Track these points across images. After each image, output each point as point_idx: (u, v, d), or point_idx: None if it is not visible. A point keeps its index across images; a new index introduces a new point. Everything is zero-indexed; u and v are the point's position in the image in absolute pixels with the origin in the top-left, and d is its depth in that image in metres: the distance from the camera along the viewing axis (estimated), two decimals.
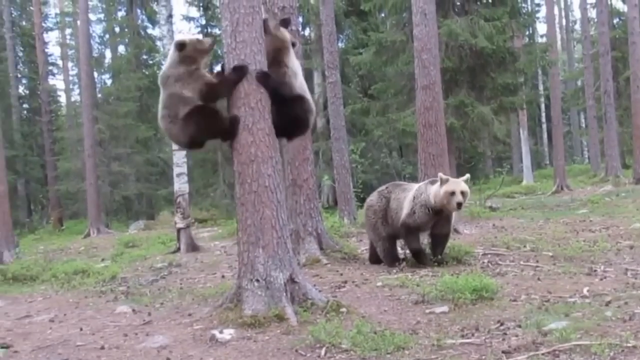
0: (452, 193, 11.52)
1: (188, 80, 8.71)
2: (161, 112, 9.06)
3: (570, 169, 41.36)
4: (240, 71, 8.49)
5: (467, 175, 12.22)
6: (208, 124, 8.75)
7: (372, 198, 13.18)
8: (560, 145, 34.60)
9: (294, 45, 9.38)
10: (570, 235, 15.41)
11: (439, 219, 12.01)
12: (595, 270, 10.98)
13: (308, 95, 9.40)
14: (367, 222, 13.27)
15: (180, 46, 8.71)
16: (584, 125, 56.92)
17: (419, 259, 12.31)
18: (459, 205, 11.55)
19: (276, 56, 8.97)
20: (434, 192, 11.83)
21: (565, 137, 45.80)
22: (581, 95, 46.24)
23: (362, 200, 19.85)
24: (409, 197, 12.29)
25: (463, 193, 11.55)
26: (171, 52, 8.99)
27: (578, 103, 49.00)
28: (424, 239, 12.80)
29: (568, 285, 9.81)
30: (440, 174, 12.30)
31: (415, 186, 12.62)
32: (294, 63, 9.19)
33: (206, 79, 8.80)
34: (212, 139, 9.25)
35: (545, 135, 57.86)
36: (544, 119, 57.12)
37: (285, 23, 9.51)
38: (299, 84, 9.17)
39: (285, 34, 9.18)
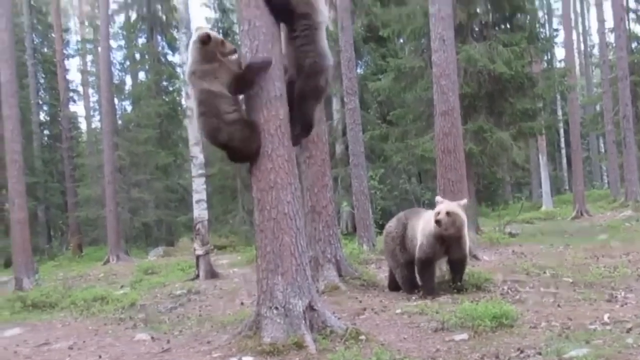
0: (437, 213, 11.47)
1: (215, 75, 8.65)
2: (198, 109, 8.90)
3: (589, 194, 41.17)
4: (265, 61, 8.56)
5: (465, 200, 12.17)
6: (247, 136, 8.67)
7: (391, 225, 13.14)
8: (579, 170, 34.49)
9: None
10: (590, 261, 15.32)
11: (449, 245, 11.89)
12: (615, 297, 10.91)
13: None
14: (386, 249, 13.23)
15: (203, 41, 8.66)
16: (603, 150, 56.66)
17: (429, 296, 12.14)
18: (437, 222, 11.44)
19: None
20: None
21: (584, 162, 45.66)
22: (600, 120, 46.06)
23: (381, 227, 19.82)
24: (420, 227, 12.21)
25: (448, 213, 11.45)
26: (193, 46, 8.86)
27: (597, 128, 48.79)
28: (442, 265, 12.74)
29: (588, 312, 9.74)
30: (437, 197, 12.26)
31: (429, 213, 12.52)
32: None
33: (231, 71, 8.73)
34: (240, 154, 9.07)
35: (564, 161, 57.69)
36: (563, 144, 56.96)
37: None
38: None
39: None
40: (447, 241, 11.78)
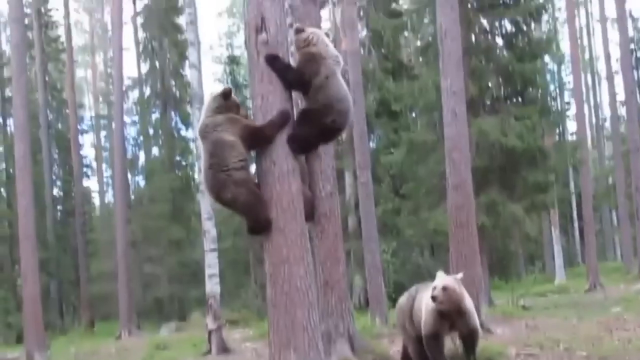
0: (433, 288, 11.39)
1: (227, 125, 8.36)
2: (206, 162, 8.40)
3: (602, 267, 40.90)
4: (284, 115, 8.37)
5: (461, 274, 12.08)
6: (252, 203, 8.36)
7: (402, 298, 13.07)
8: (592, 243, 34.39)
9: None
10: (605, 335, 15.20)
11: (452, 320, 11.75)
12: None
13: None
14: (398, 323, 13.17)
15: (226, 95, 8.50)
16: (615, 223, 56.49)
17: None
18: (432, 298, 11.33)
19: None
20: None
21: (597, 235, 45.42)
22: (612, 193, 46.08)
23: (393, 301, 19.72)
24: (424, 302, 12.10)
25: (444, 288, 11.34)
26: (211, 99, 8.67)
27: (609, 200, 48.79)
28: (456, 339, 12.63)
29: None
30: (438, 272, 12.19)
31: None
32: None
33: (246, 121, 8.54)
34: (244, 218, 8.71)
35: (577, 233, 57.46)
36: (575, 217, 56.74)
37: None
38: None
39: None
40: (449, 316, 11.64)
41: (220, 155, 8.21)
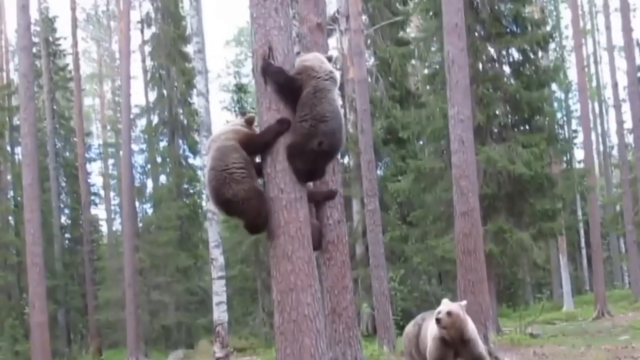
0: (438, 312, 11.37)
1: (230, 134, 8.70)
2: (209, 164, 8.66)
3: (610, 295, 40.75)
4: (283, 123, 8.41)
5: (464, 302, 12.06)
6: (252, 199, 8.47)
7: (409, 326, 13.04)
8: (600, 270, 34.29)
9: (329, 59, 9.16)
10: None
11: (457, 348, 11.70)
12: None
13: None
14: (405, 351, 13.13)
15: (250, 122, 8.87)
16: (623, 250, 56.28)
17: None
18: (437, 320, 11.31)
19: None
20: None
21: (605, 263, 45.22)
22: (620, 220, 45.89)
23: (401, 328, 19.69)
24: (429, 329, 12.08)
25: (449, 313, 11.32)
26: (232, 123, 9.11)
27: (617, 228, 48.56)
28: None
29: None
30: (444, 300, 12.16)
31: None
32: None
33: (248, 130, 8.81)
34: (244, 218, 8.78)
35: (584, 261, 57.24)
36: (583, 245, 56.53)
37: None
38: None
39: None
40: (453, 343, 11.59)
41: (221, 157, 8.49)
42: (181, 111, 45.43)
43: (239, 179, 8.42)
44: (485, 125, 25.95)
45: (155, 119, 46.79)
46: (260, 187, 8.57)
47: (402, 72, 34.70)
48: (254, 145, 8.57)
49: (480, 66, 27.11)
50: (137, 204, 43.11)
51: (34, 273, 23.54)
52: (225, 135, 8.72)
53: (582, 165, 47.49)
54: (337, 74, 8.87)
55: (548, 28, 30.11)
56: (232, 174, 8.41)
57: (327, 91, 8.49)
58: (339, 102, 8.81)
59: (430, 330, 11.77)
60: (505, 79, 27.60)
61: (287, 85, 8.44)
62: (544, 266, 33.42)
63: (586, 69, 47.99)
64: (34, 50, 41.77)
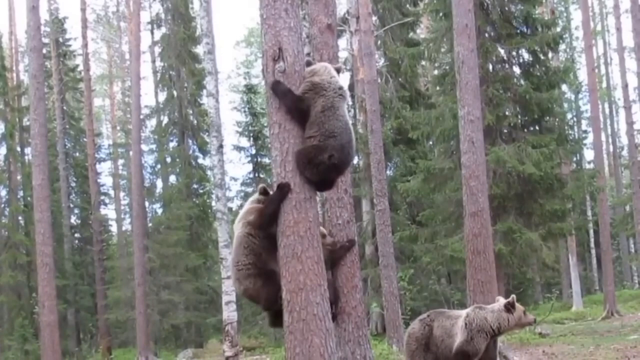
0: (524, 312, 11.69)
1: (247, 215, 8.98)
2: (232, 254, 9.25)
3: (620, 295, 40.68)
4: (283, 189, 8.48)
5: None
6: (255, 298, 9.13)
7: (414, 326, 13.00)
8: (609, 270, 34.26)
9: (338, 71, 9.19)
10: None
11: (489, 344, 11.93)
12: None
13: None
14: (407, 350, 13.10)
15: (264, 192, 9.06)
16: (633, 251, 56.21)
17: None
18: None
19: None
20: (498, 318, 11.80)
21: (614, 263, 45.20)
22: (630, 221, 45.76)
23: None
24: (459, 325, 12.16)
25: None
26: (251, 198, 9.40)
27: (627, 228, 48.44)
28: None
29: None
30: (508, 300, 12.27)
31: (462, 313, 12.52)
32: None
33: (261, 206, 8.93)
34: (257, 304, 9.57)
35: (594, 261, 57.14)
36: (592, 245, 56.47)
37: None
38: None
39: None
40: (493, 338, 11.86)
41: (235, 250, 9.00)
42: (191, 112, 45.41)
43: (246, 275, 8.90)
44: (495, 126, 25.97)
45: (165, 120, 46.82)
46: (271, 272, 8.83)
47: (412, 73, 34.72)
48: (263, 221, 8.76)
49: (490, 67, 27.14)
50: (146, 204, 43.08)
51: (43, 273, 23.61)
52: (242, 221, 9.02)
53: (592, 165, 47.50)
54: (346, 87, 8.91)
55: (558, 29, 30.19)
56: (240, 271, 8.91)
57: (335, 108, 8.51)
58: (348, 115, 8.80)
59: (469, 322, 11.92)
60: (515, 80, 27.65)
61: (295, 107, 8.52)
62: (553, 266, 33.25)
63: (596, 70, 47.86)
64: (44, 51, 41.80)
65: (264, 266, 8.85)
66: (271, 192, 8.82)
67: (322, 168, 8.43)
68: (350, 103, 31.12)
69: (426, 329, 12.59)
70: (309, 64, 8.90)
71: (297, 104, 8.48)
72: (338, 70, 9.05)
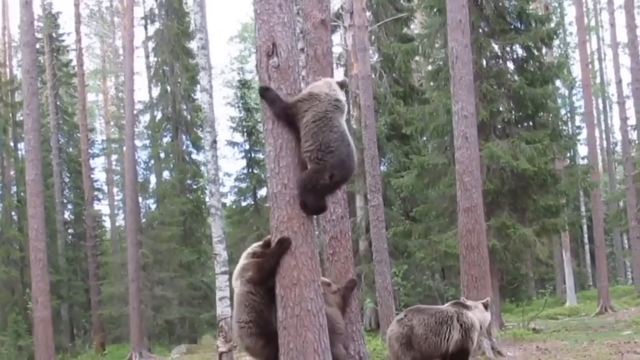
0: None
1: (245, 272, 9.10)
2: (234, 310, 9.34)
3: (613, 290, 40.75)
4: (283, 244, 8.47)
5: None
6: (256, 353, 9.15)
7: (393, 328, 13.00)
8: (603, 266, 34.30)
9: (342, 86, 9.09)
10: (615, 357, 15.20)
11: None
12: None
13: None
14: (390, 351, 13.13)
15: (266, 245, 9.08)
16: (627, 246, 56.27)
17: None
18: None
19: None
20: (483, 316, 12.37)
21: (608, 258, 45.34)
22: (623, 217, 45.80)
23: None
24: (453, 324, 12.28)
25: None
26: (249, 249, 9.54)
27: (620, 224, 48.48)
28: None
29: None
30: (486, 300, 12.41)
31: (441, 308, 12.71)
32: None
33: (260, 260, 9.04)
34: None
35: (588, 257, 57.23)
36: (586, 240, 56.56)
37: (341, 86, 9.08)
38: None
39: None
40: None
41: (237, 308, 9.09)
42: (185, 107, 45.36)
43: (248, 334, 9.00)
44: (489, 122, 25.97)
45: (158, 115, 46.73)
46: (272, 333, 8.80)
47: (406, 69, 34.70)
48: (263, 277, 8.80)
49: (484, 62, 27.14)
50: (140, 199, 43.05)
51: (37, 268, 23.58)
52: (240, 279, 9.13)
53: (585, 161, 47.63)
54: (344, 100, 8.85)
55: (552, 25, 30.21)
56: (242, 329, 9.01)
57: (329, 119, 8.44)
58: (346, 127, 8.72)
59: (472, 322, 12.24)
60: (509, 76, 27.64)
61: (280, 114, 8.55)
62: (547, 262, 33.40)
63: (590, 66, 47.82)
64: (37, 46, 41.74)
65: (265, 325, 8.89)
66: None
67: (325, 190, 8.53)
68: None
69: (405, 329, 12.68)
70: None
71: (284, 112, 8.51)
72: (342, 85, 9.00)
